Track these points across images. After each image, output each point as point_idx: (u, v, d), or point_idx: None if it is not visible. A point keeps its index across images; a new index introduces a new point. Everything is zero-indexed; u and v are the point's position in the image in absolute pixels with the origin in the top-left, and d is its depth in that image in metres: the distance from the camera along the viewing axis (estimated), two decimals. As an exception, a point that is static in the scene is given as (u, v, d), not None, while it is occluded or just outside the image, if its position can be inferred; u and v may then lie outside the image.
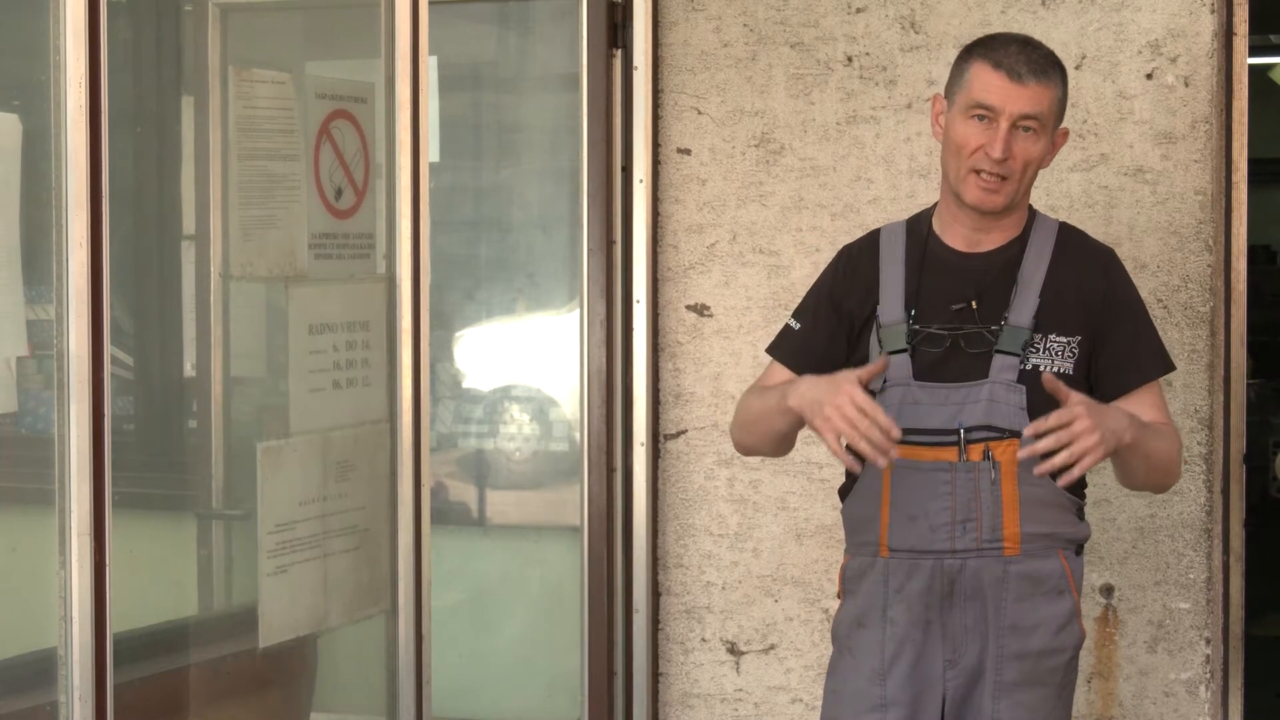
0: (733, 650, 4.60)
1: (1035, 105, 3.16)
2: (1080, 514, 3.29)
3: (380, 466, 3.80)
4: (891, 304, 3.27)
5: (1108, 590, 4.29)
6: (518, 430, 5.52)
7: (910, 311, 3.25)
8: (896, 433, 3.02)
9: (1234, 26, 4.27)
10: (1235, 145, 4.28)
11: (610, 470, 4.60)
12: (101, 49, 2.94)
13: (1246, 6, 4.26)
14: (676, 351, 4.61)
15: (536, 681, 5.28)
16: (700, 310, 4.59)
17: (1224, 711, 4.30)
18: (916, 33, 4.39)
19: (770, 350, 3.46)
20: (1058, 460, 2.99)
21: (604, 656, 4.60)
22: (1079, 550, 3.29)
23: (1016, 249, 3.26)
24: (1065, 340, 3.21)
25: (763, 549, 4.55)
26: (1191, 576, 4.25)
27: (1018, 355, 3.19)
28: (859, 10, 4.44)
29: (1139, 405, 3.21)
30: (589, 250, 4.58)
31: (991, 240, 3.27)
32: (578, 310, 4.65)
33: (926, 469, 3.19)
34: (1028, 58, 3.18)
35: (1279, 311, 11.31)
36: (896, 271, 3.30)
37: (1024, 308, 3.21)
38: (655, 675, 4.66)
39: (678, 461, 4.61)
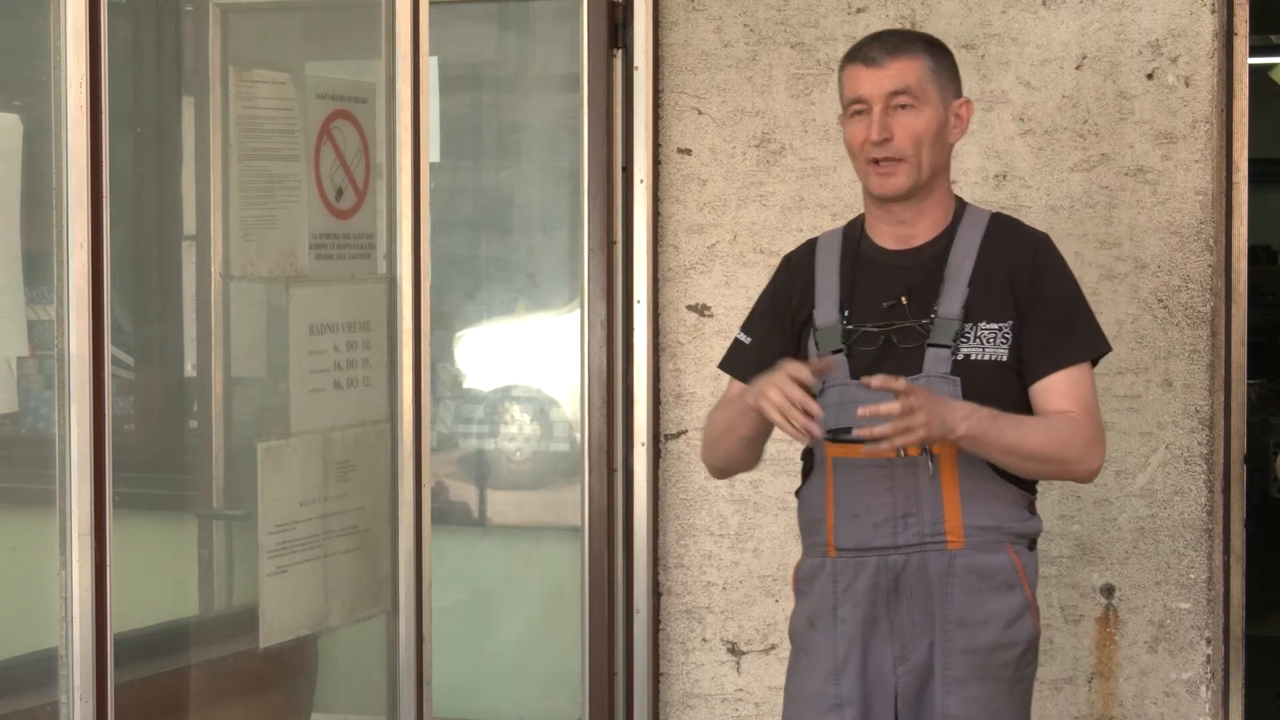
0: (733, 650, 4.60)
1: (899, 80, 3.19)
2: (1031, 508, 3.29)
3: (381, 467, 3.80)
4: (826, 306, 3.30)
5: (1108, 590, 4.29)
6: (518, 430, 5.52)
7: (844, 312, 3.28)
8: (814, 407, 3.05)
9: (1234, 26, 4.27)
10: (1235, 145, 4.28)
11: (611, 470, 4.60)
12: (101, 49, 2.94)
13: (1246, 6, 4.26)
14: (677, 352, 4.61)
15: (537, 681, 5.28)
16: (701, 310, 4.59)
17: (1224, 711, 4.30)
18: (914, 33, 4.38)
19: (723, 366, 3.50)
20: (876, 430, 3.03)
21: (604, 656, 4.60)
22: (1031, 545, 3.28)
23: (945, 242, 3.28)
24: (996, 327, 3.21)
25: (763, 549, 4.55)
26: (1192, 576, 4.25)
27: (949, 347, 3.20)
28: (859, 10, 4.44)
29: (1050, 392, 3.20)
30: (589, 250, 4.58)
31: (919, 235, 3.28)
32: (578, 310, 4.65)
33: (866, 466, 3.21)
34: (882, 42, 3.25)
35: (1279, 311, 11.32)
36: (831, 274, 3.33)
37: (952, 299, 3.22)
38: (656, 675, 4.66)
39: (678, 461, 4.61)
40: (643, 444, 4.61)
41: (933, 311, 3.22)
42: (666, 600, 4.65)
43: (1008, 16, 4.33)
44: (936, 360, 3.20)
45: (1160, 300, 4.23)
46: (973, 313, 3.21)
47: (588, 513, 4.60)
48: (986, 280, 3.23)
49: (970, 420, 3.11)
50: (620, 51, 4.59)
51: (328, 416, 3.68)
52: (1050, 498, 4.29)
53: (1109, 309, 4.25)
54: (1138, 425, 4.26)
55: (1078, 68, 4.27)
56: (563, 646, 4.91)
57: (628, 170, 4.60)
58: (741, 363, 3.42)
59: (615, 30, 4.58)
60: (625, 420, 4.62)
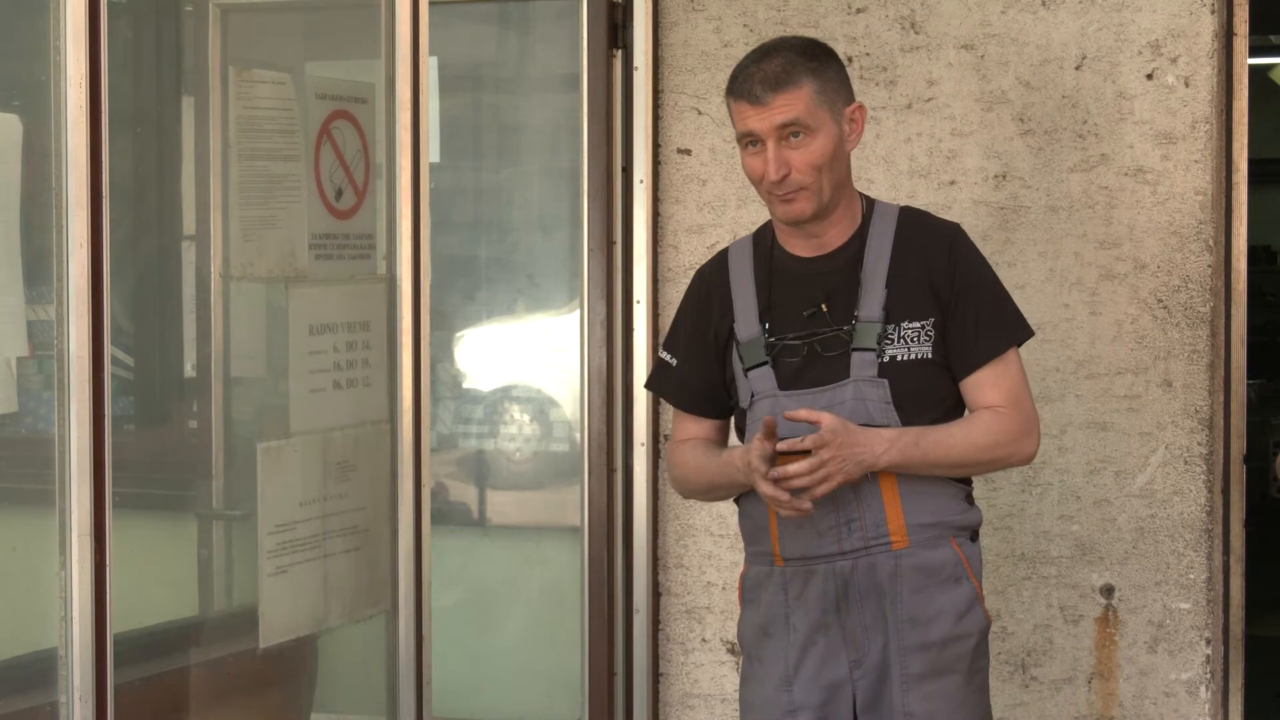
0: (733, 650, 4.60)
1: (786, 114, 3.17)
2: (969, 500, 3.30)
3: (380, 467, 3.80)
4: (746, 319, 3.30)
5: (1108, 590, 4.29)
6: (518, 431, 5.52)
7: (764, 324, 3.27)
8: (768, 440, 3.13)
9: (1234, 26, 4.27)
10: (1235, 145, 4.28)
11: (611, 470, 4.60)
12: (101, 49, 2.94)
13: (1246, 6, 4.26)
14: (677, 352, 4.60)
15: (536, 681, 5.28)
16: (700, 310, 4.58)
17: (1224, 712, 4.30)
18: (916, 33, 4.39)
19: (650, 386, 3.55)
20: (796, 484, 3.11)
21: (604, 657, 4.60)
22: (973, 536, 3.29)
23: (857, 244, 3.27)
24: (919, 325, 3.22)
25: (763, 549, 4.54)
26: (1192, 577, 4.25)
27: (874, 349, 3.20)
28: (859, 10, 4.44)
29: (979, 386, 3.22)
30: (589, 251, 4.58)
31: (831, 240, 3.28)
32: (578, 311, 4.65)
33: None
34: (762, 74, 3.19)
35: (1279, 311, 11.32)
36: (747, 286, 3.32)
37: (872, 301, 3.22)
38: (655, 675, 4.65)
39: (678, 462, 4.61)
40: (642, 444, 4.61)
41: (854, 316, 3.22)
42: (666, 600, 4.64)
43: (1008, 16, 4.33)
44: (862, 364, 3.20)
45: (1160, 300, 4.23)
46: (893, 313, 3.22)
47: (587, 513, 4.60)
48: (904, 279, 3.23)
49: (892, 451, 3.15)
50: (620, 51, 4.59)
51: (328, 417, 3.68)
52: (1050, 498, 4.30)
53: (1109, 309, 4.25)
54: (1137, 425, 4.26)
55: (1077, 68, 4.27)
56: (563, 646, 4.91)
57: (627, 170, 4.60)
58: (669, 384, 3.44)
59: (615, 30, 4.58)
60: (625, 420, 4.62)
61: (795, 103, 3.17)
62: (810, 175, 3.19)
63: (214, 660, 3.71)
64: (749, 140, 3.21)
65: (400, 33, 3.76)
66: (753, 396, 3.26)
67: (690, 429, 3.44)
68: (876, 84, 4.42)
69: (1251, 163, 4.34)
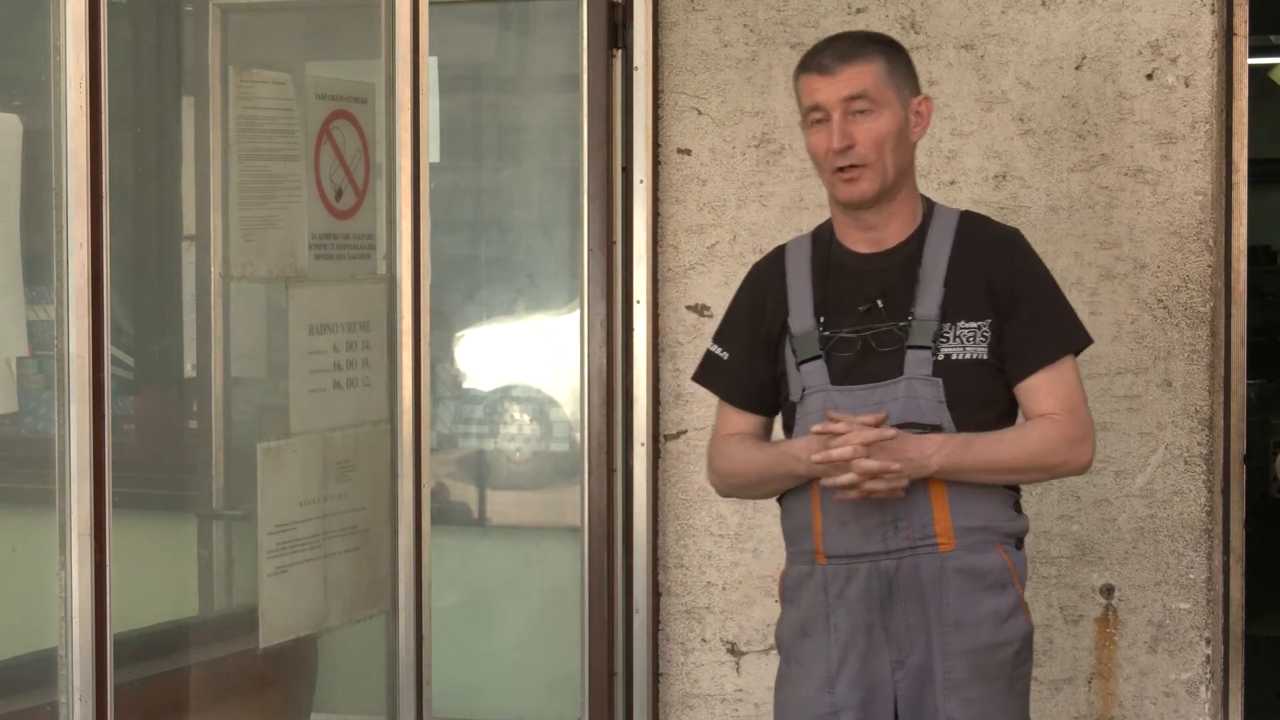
0: (733, 650, 4.60)
1: (854, 85, 3.18)
2: (1017, 507, 3.29)
3: (380, 467, 3.80)
4: (801, 313, 3.29)
5: (1108, 590, 4.29)
6: (518, 431, 5.52)
7: (819, 318, 3.26)
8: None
9: (1234, 27, 4.27)
10: (1235, 145, 4.28)
11: (610, 470, 4.60)
12: (101, 49, 2.94)
13: (1246, 6, 4.27)
14: (677, 352, 4.61)
15: (536, 681, 5.28)
16: (700, 310, 4.59)
17: (1224, 711, 4.30)
18: (916, 33, 4.39)
19: (699, 379, 3.51)
20: (847, 483, 3.14)
21: (604, 656, 4.60)
22: (1019, 544, 3.29)
23: (916, 243, 3.27)
24: (975, 325, 3.21)
25: (763, 549, 4.54)
26: (1191, 577, 4.25)
27: (929, 348, 3.19)
28: (859, 10, 4.44)
29: (1034, 392, 3.21)
30: (589, 250, 4.58)
31: (890, 237, 3.28)
32: (578, 310, 4.65)
33: None
34: (834, 49, 3.23)
35: (1279, 311, 11.32)
36: (803, 281, 3.32)
37: (929, 299, 3.22)
38: (655, 675, 4.66)
39: (678, 462, 4.62)
40: (642, 444, 4.61)
41: (910, 313, 3.21)
42: (666, 600, 4.65)
43: (1007, 16, 4.33)
44: (917, 362, 3.19)
45: (1160, 300, 4.23)
46: (950, 313, 3.21)
47: (587, 513, 4.60)
48: (962, 280, 3.23)
49: (941, 454, 3.14)
50: (620, 52, 4.59)
51: (328, 417, 3.68)
52: (1050, 498, 4.30)
53: (1109, 309, 4.25)
54: (1137, 425, 4.26)
55: (1077, 68, 4.27)
56: (563, 646, 4.91)
57: (627, 170, 4.60)
58: (719, 378, 3.43)
59: (615, 30, 4.58)
60: (625, 420, 4.62)
61: (864, 75, 3.19)
62: (874, 151, 3.19)
63: (214, 660, 3.71)
64: (815, 115, 3.21)
65: (400, 33, 3.76)
66: (804, 390, 3.24)
67: (736, 423, 3.41)
68: (876, 84, 4.42)
69: (1251, 163, 4.34)
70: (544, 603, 5.35)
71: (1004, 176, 4.33)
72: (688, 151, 4.59)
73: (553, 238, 5.42)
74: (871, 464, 3.10)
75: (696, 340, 4.58)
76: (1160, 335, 4.24)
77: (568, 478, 5.29)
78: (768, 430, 3.43)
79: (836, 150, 3.18)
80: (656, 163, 4.60)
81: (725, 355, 3.41)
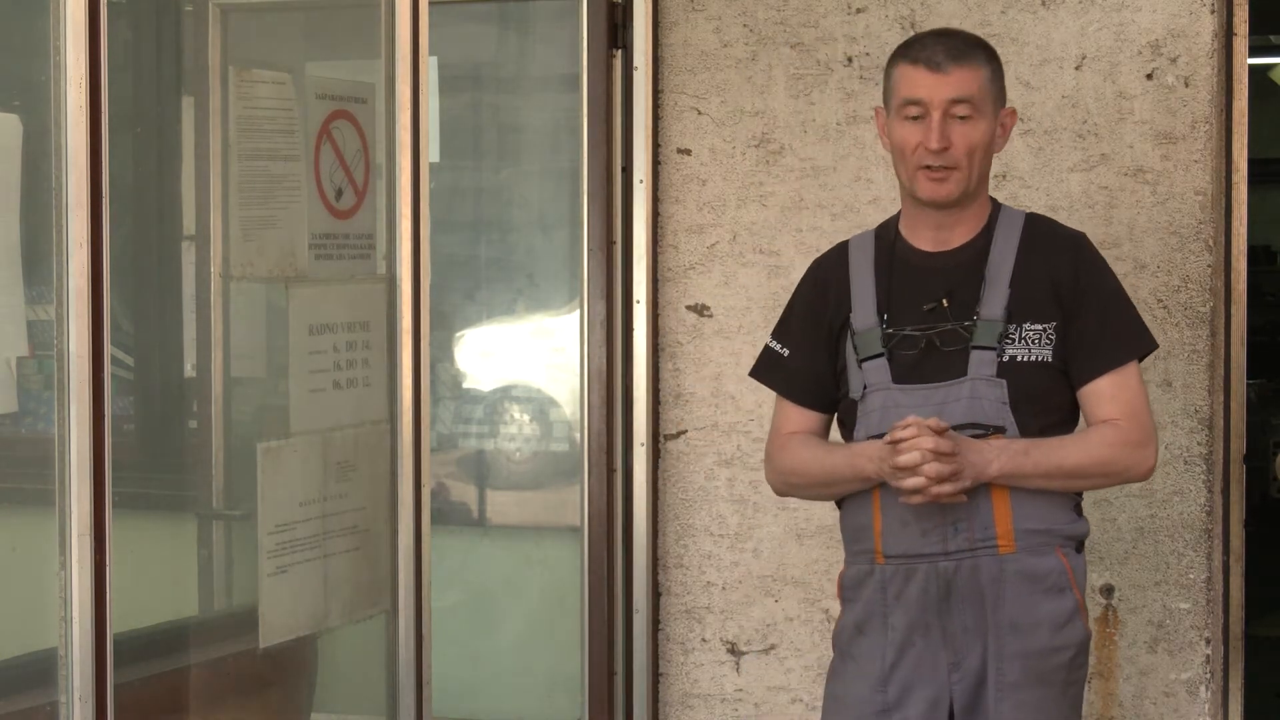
0: (733, 650, 4.60)
1: (961, 89, 3.16)
2: (1078, 510, 3.27)
3: (380, 467, 3.80)
4: (864, 310, 3.26)
5: (1108, 590, 4.29)
6: (518, 431, 5.52)
7: (883, 316, 3.24)
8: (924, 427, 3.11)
9: (1234, 26, 4.27)
10: (1235, 145, 4.27)
11: (610, 470, 4.60)
12: (101, 49, 2.94)
13: (1246, 6, 4.26)
14: (676, 352, 4.61)
15: (536, 681, 5.28)
16: (700, 310, 4.59)
17: (1224, 712, 4.30)
18: (916, 32, 4.38)
19: (757, 375, 3.47)
20: (915, 485, 3.10)
21: (604, 656, 4.60)
22: (1079, 548, 3.26)
23: (982, 243, 3.25)
24: (1040, 328, 3.19)
25: (763, 549, 4.54)
26: (1191, 577, 4.25)
27: (994, 349, 3.17)
28: (859, 10, 4.44)
29: (1098, 397, 3.19)
30: (589, 250, 4.58)
31: (957, 237, 3.26)
32: (578, 310, 4.65)
33: None
34: (945, 46, 3.19)
35: (1279, 311, 11.32)
36: (866, 278, 3.29)
37: (995, 300, 3.19)
38: (655, 675, 4.66)
39: (678, 462, 4.61)
40: (642, 444, 4.61)
41: (975, 313, 3.19)
42: (666, 600, 4.65)
43: (1007, 16, 4.33)
44: (981, 362, 3.17)
45: (1160, 300, 4.23)
46: (1016, 313, 3.18)
47: (587, 513, 4.60)
48: (1028, 281, 3.20)
49: (1002, 459, 3.11)
50: (620, 52, 4.59)
51: (327, 416, 3.68)
52: (1050, 498, 4.29)
53: (1109, 309, 4.26)
54: (1137, 425, 4.26)
55: (1077, 68, 4.27)
56: (563, 646, 4.91)
57: (627, 170, 4.60)
58: (779, 375, 3.40)
59: (615, 30, 4.58)
60: (625, 420, 4.62)
61: (973, 80, 3.17)
62: (965, 157, 3.17)
63: (214, 660, 3.71)
64: (913, 110, 3.18)
65: (400, 33, 3.76)
66: (865, 388, 3.22)
67: (795, 420, 3.37)
68: (876, 84, 4.41)
69: (1251, 163, 4.34)
70: (544, 603, 5.35)
71: (1004, 176, 4.32)
72: (687, 151, 4.59)
73: (553, 238, 5.42)
74: (940, 468, 3.07)
75: (696, 340, 4.58)
76: (1160, 335, 4.23)
77: (568, 478, 5.29)
78: (827, 428, 3.39)
79: (933, 150, 3.16)
80: (656, 163, 4.60)
81: (785, 352, 3.38)
